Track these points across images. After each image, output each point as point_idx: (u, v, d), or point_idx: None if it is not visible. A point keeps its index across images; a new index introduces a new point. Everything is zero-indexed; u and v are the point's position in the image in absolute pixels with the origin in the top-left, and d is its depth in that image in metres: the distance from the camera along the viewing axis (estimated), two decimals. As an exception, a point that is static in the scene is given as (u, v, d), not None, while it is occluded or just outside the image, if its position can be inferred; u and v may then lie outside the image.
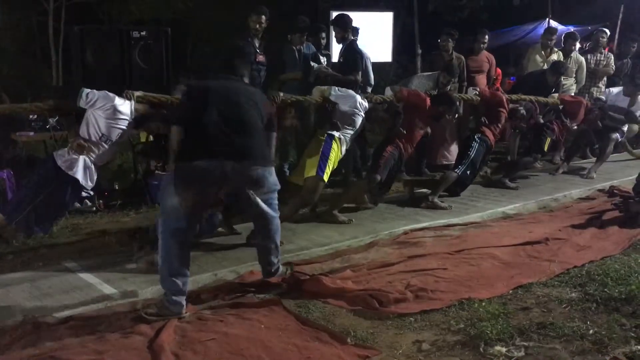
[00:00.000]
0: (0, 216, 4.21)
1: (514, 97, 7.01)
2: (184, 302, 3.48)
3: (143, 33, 4.98)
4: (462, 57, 7.65)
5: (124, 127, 4.34)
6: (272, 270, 3.96)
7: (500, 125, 6.54)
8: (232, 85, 3.79)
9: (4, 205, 4.37)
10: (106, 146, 4.32)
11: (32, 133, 5.95)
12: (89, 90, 4.24)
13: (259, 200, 3.75)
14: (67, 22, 12.60)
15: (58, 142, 5.61)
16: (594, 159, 8.08)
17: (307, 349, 3.02)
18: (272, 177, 3.78)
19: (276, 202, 3.89)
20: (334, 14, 7.64)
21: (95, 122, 4.26)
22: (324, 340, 3.11)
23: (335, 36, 7.13)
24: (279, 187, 3.89)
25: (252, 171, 3.64)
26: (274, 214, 3.85)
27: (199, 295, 3.73)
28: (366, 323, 3.37)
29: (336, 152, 5.31)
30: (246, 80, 3.98)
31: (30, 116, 5.98)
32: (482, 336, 3.10)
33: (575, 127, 7.56)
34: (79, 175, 4.22)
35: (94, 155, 4.29)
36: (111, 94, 4.29)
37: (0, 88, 6.73)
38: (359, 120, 5.45)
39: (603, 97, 8.02)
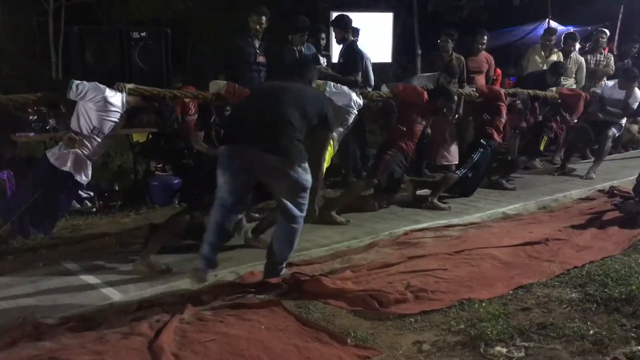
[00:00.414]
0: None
1: (510, 90, 7.02)
2: (206, 269, 3.80)
3: (143, 34, 4.96)
4: (462, 58, 7.65)
5: (116, 120, 4.26)
6: (278, 269, 3.97)
7: (502, 120, 6.54)
8: (281, 85, 4.05)
9: (2, 205, 4.33)
10: (98, 139, 4.22)
11: (32, 134, 5.94)
12: (78, 81, 4.14)
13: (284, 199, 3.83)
14: (67, 23, 12.62)
15: (58, 143, 5.60)
16: (593, 159, 8.07)
17: (307, 350, 3.02)
18: (297, 175, 3.78)
19: (303, 201, 3.88)
20: (334, 14, 7.65)
21: (86, 115, 4.17)
22: (324, 340, 3.11)
23: (335, 37, 7.14)
24: (307, 185, 3.87)
25: (270, 162, 3.73)
26: (297, 212, 3.86)
27: (199, 295, 3.72)
28: (366, 323, 3.37)
29: (330, 152, 5.32)
30: (314, 84, 4.30)
31: (30, 117, 5.97)
32: (482, 337, 3.09)
33: (576, 120, 7.55)
34: (72, 169, 4.16)
35: (86, 150, 4.22)
36: (102, 86, 4.20)
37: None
38: (351, 118, 5.44)
39: (599, 91, 7.99)
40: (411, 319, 3.39)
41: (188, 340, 3.10)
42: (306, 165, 3.85)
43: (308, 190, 3.89)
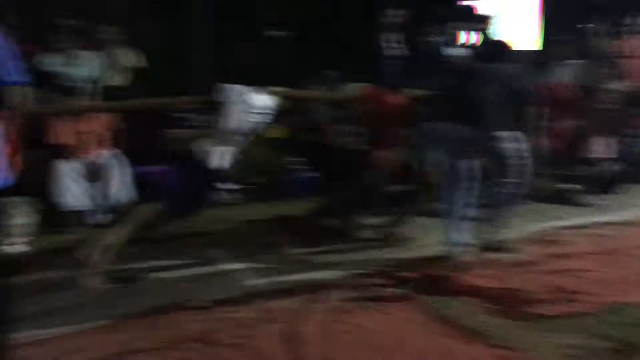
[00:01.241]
0: (160, 207, 4.50)
1: None
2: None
3: (284, 33, 5.09)
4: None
5: (259, 120, 4.49)
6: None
7: None
8: (481, 67, 4.54)
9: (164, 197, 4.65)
10: (240, 138, 4.48)
11: (180, 130, 6.34)
12: (227, 85, 4.39)
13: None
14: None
15: (204, 139, 5.91)
16: None
17: (443, 347, 2.96)
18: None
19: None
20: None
21: (231, 115, 4.43)
22: (460, 338, 3.04)
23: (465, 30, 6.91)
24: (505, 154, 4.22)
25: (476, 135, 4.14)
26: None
27: (337, 285, 3.78)
28: (506, 323, 3.24)
29: None
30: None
31: (179, 115, 6.38)
32: (636, 345, 2.88)
33: None
34: (214, 165, 4.40)
35: (228, 147, 4.45)
36: (249, 88, 4.41)
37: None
38: None
39: None
40: (554, 321, 3.22)
41: (324, 331, 3.15)
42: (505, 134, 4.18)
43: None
